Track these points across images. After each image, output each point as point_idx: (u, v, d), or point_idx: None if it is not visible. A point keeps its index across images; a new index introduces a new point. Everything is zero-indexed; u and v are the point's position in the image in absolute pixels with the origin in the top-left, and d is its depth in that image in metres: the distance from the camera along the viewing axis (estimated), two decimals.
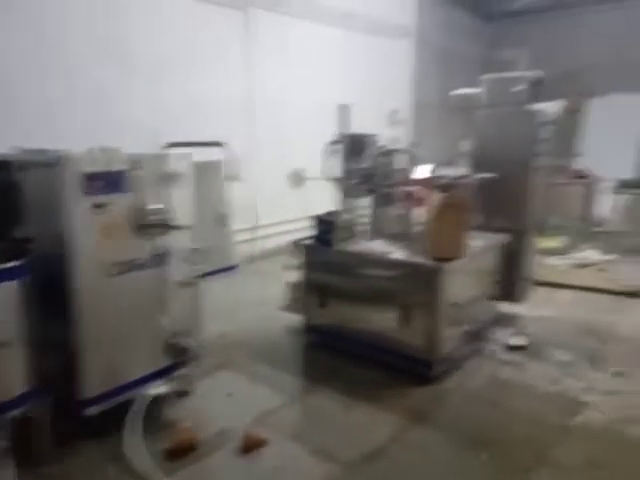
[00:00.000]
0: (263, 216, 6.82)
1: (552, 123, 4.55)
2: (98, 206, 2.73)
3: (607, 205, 7.31)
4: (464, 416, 3.19)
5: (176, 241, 3.12)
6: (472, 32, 10.73)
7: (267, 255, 6.91)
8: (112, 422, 2.89)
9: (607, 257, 6.55)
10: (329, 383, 3.57)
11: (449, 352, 3.62)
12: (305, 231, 4.18)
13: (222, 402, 3.36)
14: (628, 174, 8.11)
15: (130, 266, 2.91)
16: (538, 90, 4.44)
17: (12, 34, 4.49)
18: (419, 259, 3.54)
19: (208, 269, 5.68)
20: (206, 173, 5.12)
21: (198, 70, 5.92)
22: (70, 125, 4.73)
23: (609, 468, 2.71)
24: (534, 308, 4.81)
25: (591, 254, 6.59)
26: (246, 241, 6.70)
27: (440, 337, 3.49)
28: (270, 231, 6.88)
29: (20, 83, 4.56)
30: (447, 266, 3.39)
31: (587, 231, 7.58)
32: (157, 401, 3.08)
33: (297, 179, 7.22)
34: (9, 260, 2.48)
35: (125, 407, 2.91)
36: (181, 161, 3.14)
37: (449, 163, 7.18)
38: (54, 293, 2.76)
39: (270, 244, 6.92)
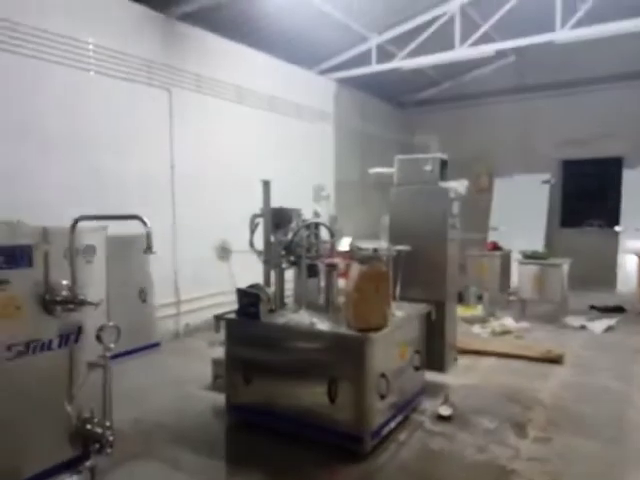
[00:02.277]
0: (188, 290, 6.62)
1: (461, 199, 4.89)
2: None
3: (518, 275, 7.79)
4: None
5: (88, 318, 2.92)
6: (387, 117, 11.62)
7: (192, 331, 6.64)
8: None
9: (521, 324, 6.88)
10: (254, 466, 3.35)
11: (379, 425, 3.54)
12: (232, 305, 4.08)
13: None
14: (536, 247, 8.78)
15: (33, 347, 2.67)
16: (445, 170, 4.84)
17: None
18: (345, 330, 3.53)
19: (128, 347, 5.39)
20: (125, 247, 4.98)
21: (117, 146, 5.88)
22: None
23: None
24: (459, 376, 4.89)
25: (508, 321, 6.91)
26: (170, 316, 6.43)
27: (370, 410, 3.42)
28: (195, 306, 6.66)
29: None
30: (373, 335, 3.39)
31: (503, 299, 8.00)
32: None
33: (223, 251, 7.15)
34: None
35: None
36: (94, 234, 3.02)
37: (372, 237, 7.47)
38: None
39: (196, 319, 6.67)
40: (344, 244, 4.45)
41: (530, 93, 10.94)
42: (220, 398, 4.17)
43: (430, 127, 11.93)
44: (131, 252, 5.27)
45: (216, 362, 4.67)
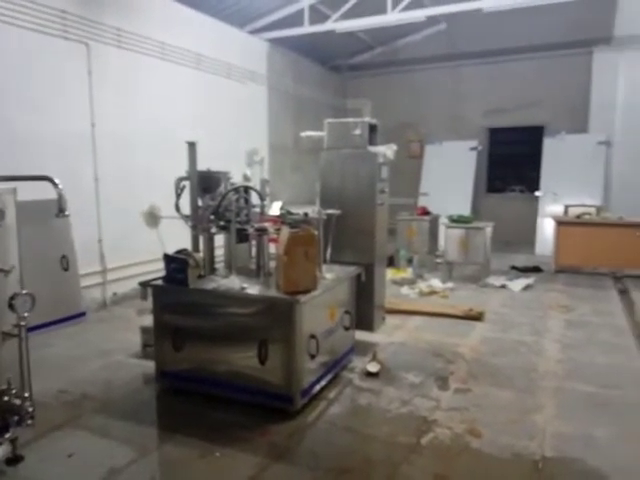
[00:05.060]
0: (115, 258, 6.36)
1: (390, 164, 4.97)
2: None
3: (444, 239, 8.13)
4: (325, 447, 3.19)
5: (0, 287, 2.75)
6: (321, 81, 11.50)
7: (120, 300, 6.43)
8: None
9: (447, 285, 7.23)
10: (186, 430, 3.34)
11: (309, 384, 3.63)
12: (162, 272, 3.98)
13: (62, 465, 2.98)
14: (463, 211, 9.16)
15: None
16: (375, 135, 4.88)
17: None
18: (274, 293, 3.56)
19: (51, 318, 5.15)
20: (42, 212, 4.68)
21: (32, 103, 5.46)
22: None
23: None
24: (387, 335, 5.10)
25: (435, 283, 7.23)
26: (96, 285, 6.18)
27: (299, 370, 3.49)
28: (123, 273, 6.42)
29: None
30: (301, 298, 3.44)
31: (431, 262, 8.34)
32: None
33: (152, 217, 6.91)
34: None
35: None
36: (3, 197, 2.81)
37: (309, 202, 7.48)
38: None
39: (124, 287, 6.45)
40: (275, 209, 4.42)
41: (460, 61, 11.20)
42: (150, 366, 4.10)
43: (363, 92, 11.97)
44: (49, 218, 4.95)
45: (145, 330, 4.57)
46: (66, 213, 2.68)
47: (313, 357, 3.67)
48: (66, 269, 5.43)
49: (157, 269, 6.02)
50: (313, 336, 3.65)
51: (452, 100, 11.44)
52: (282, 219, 4.17)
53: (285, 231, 3.71)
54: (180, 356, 3.81)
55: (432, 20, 9.85)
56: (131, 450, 3.13)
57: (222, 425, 3.42)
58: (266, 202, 4.49)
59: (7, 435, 2.80)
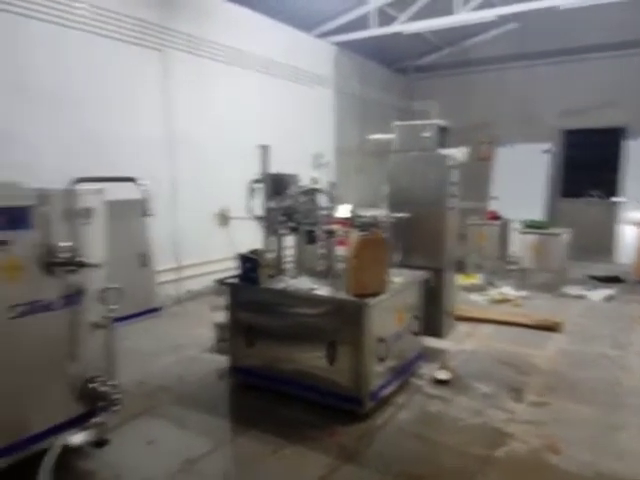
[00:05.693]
0: (188, 256, 6.63)
1: (461, 167, 4.85)
2: None
3: (518, 245, 7.82)
4: (394, 452, 3.15)
5: (89, 280, 2.93)
6: (387, 83, 11.41)
7: (194, 296, 6.68)
8: (22, 476, 2.62)
9: (520, 293, 6.94)
10: (258, 425, 3.42)
11: (378, 387, 3.60)
12: (232, 271, 4.10)
13: (143, 451, 3.13)
14: (535, 216, 8.77)
15: (34, 307, 2.68)
16: (445, 137, 4.77)
17: None
18: (343, 295, 3.55)
19: (130, 312, 5.42)
20: (124, 212, 4.95)
21: (112, 108, 5.79)
22: None
23: None
24: (458, 342, 4.96)
25: (507, 290, 6.96)
26: (171, 281, 6.45)
27: (368, 372, 3.47)
28: (196, 271, 6.68)
29: None
30: (370, 301, 3.42)
31: (502, 269, 8.04)
32: (72, 452, 2.84)
33: (222, 218, 7.14)
34: None
35: (37, 459, 2.64)
36: (92, 197, 2.99)
37: (372, 205, 7.44)
38: None
39: (197, 285, 6.71)
40: (343, 211, 4.42)
41: (532, 61, 10.73)
42: (222, 361, 4.24)
43: (430, 94, 11.73)
44: (130, 217, 5.25)
45: (219, 326, 4.71)
46: (150, 213, 2.81)
47: (382, 361, 3.63)
48: (144, 266, 5.72)
49: (227, 268, 6.21)
50: (382, 339, 3.62)
51: (524, 101, 10.98)
52: (351, 222, 4.17)
53: (355, 234, 3.71)
54: (252, 352, 3.90)
55: (503, 19, 9.52)
56: (206, 442, 3.24)
57: (291, 423, 3.46)
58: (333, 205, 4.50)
59: (95, 420, 2.98)
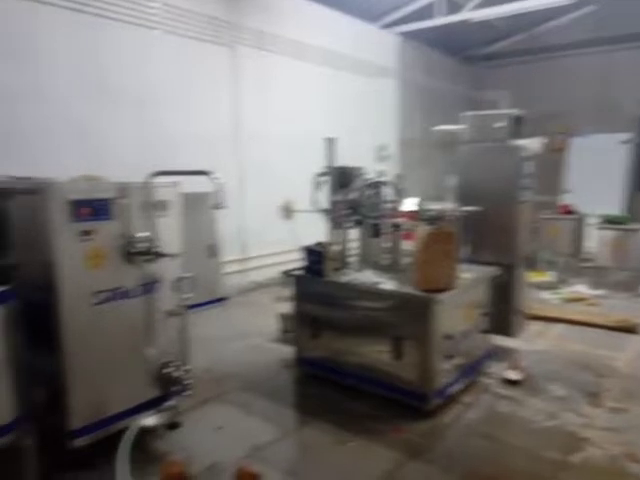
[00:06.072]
0: (253, 248, 6.78)
1: (534, 159, 4.63)
2: (84, 233, 2.68)
3: (594, 241, 7.39)
4: (462, 451, 3.08)
5: (165, 269, 3.05)
6: (453, 73, 11.10)
7: (258, 287, 6.84)
8: (101, 454, 2.79)
9: (596, 292, 6.56)
10: (322, 416, 3.45)
11: (444, 385, 3.53)
12: (295, 263, 4.14)
13: (212, 435, 3.24)
14: (612, 211, 8.24)
15: (116, 294, 2.83)
16: (519, 128, 4.56)
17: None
18: (410, 290, 3.50)
19: (197, 300, 5.61)
20: (195, 204, 5.12)
21: (184, 104, 5.99)
22: (52, 156, 4.68)
23: None
24: (528, 342, 4.76)
25: (580, 289, 6.60)
26: (236, 272, 6.63)
27: (434, 369, 3.41)
28: (260, 262, 6.83)
29: (4, 116, 4.55)
30: (438, 297, 3.34)
31: (576, 266, 7.63)
32: (147, 433, 2.97)
33: (287, 211, 7.22)
34: None
35: (114, 438, 2.80)
36: (168, 189, 3.10)
37: (435, 198, 7.27)
38: (40, 321, 2.66)
39: (261, 276, 6.87)
40: (409, 204, 4.34)
41: (610, 46, 10.05)
42: (287, 350, 4.32)
43: (499, 83, 11.31)
44: (200, 209, 5.42)
45: (284, 316, 4.80)
46: (223, 205, 2.88)
47: (449, 358, 3.55)
48: (212, 257, 5.90)
49: (290, 260, 6.29)
50: (449, 336, 3.53)
51: (601, 89, 10.33)
52: (417, 215, 4.09)
53: (423, 228, 3.64)
54: (317, 344, 3.93)
55: (579, 2, 8.96)
56: (272, 430, 3.31)
57: (356, 415, 3.47)
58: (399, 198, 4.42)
59: (169, 403, 3.11)
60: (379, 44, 8.93)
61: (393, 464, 2.92)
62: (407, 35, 9.30)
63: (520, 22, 10.00)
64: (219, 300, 6.05)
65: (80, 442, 2.75)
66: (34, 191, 2.65)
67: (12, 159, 4.30)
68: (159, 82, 5.74)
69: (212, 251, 5.91)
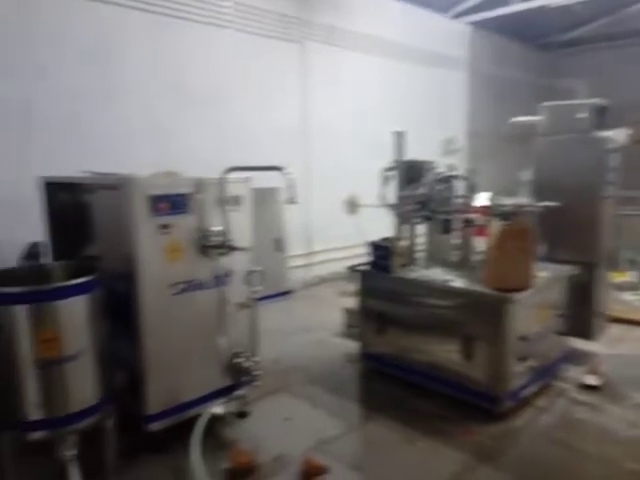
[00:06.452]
0: (318, 242, 6.83)
1: (620, 151, 4.33)
2: (163, 227, 2.80)
3: None
4: (534, 457, 2.96)
5: (236, 263, 3.13)
6: (526, 61, 10.59)
7: (322, 281, 6.89)
8: (175, 438, 2.92)
9: None
10: (388, 413, 3.43)
11: (517, 388, 3.39)
12: (359, 258, 4.13)
13: (280, 426, 3.31)
14: None
15: (191, 285, 2.94)
16: (602, 118, 4.28)
17: (81, 71, 4.79)
18: (482, 288, 3.38)
19: (264, 293, 5.74)
20: (264, 198, 5.23)
21: (254, 100, 6.11)
22: (131, 153, 4.91)
23: None
24: (609, 346, 4.47)
25: None
26: (301, 266, 6.71)
27: (507, 371, 3.29)
28: (325, 257, 6.88)
29: (86, 115, 4.82)
30: (514, 297, 3.21)
31: None
32: (217, 420, 3.09)
33: (352, 206, 7.20)
34: (78, 276, 2.55)
35: (187, 425, 2.93)
36: (241, 185, 3.18)
37: (507, 192, 6.98)
38: (120, 310, 2.81)
39: (325, 270, 6.91)
40: (482, 199, 4.20)
41: None
42: (351, 345, 4.33)
43: (576, 70, 10.64)
44: (269, 203, 5.53)
45: (349, 311, 4.81)
46: (296, 200, 2.91)
47: (522, 360, 3.41)
48: (278, 251, 6.00)
49: (354, 255, 6.27)
50: (523, 338, 3.39)
51: None
52: (490, 210, 3.94)
53: (497, 224, 3.51)
54: (382, 340, 3.91)
55: None
56: (338, 424, 3.33)
57: (422, 414, 3.42)
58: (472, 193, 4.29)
59: (238, 393, 3.21)
60: (448, 34, 8.69)
61: (462, 467, 2.85)
62: (477, 24, 8.98)
63: (602, 6, 9.37)
64: (284, 293, 6.15)
65: (156, 426, 2.88)
66: (116, 187, 2.79)
67: (95, 156, 4.55)
68: (230, 79, 5.89)
69: (279, 245, 6.02)
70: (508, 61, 10.03)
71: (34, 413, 2.44)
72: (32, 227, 3.55)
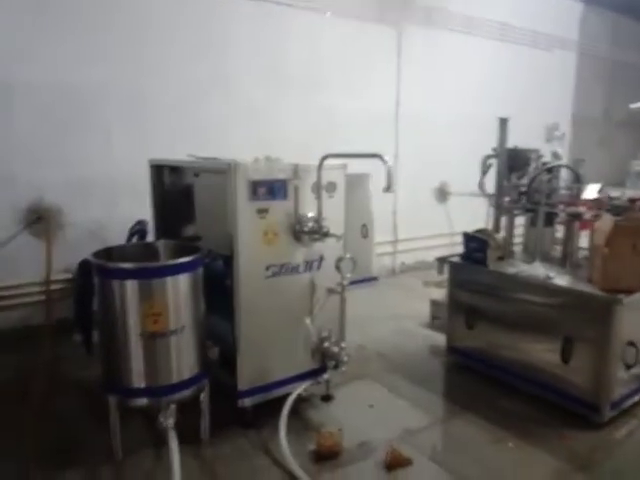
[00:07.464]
0: (404, 230, 6.72)
1: None
2: (261, 211, 2.88)
3: None
4: (634, 473, 2.75)
5: (327, 248, 3.17)
6: None
7: (407, 269, 6.80)
8: (263, 416, 3.03)
9: None
10: (474, 410, 3.33)
11: (621, 396, 3.16)
12: (447, 247, 4.01)
13: (364, 413, 3.32)
14: None
15: (284, 269, 3.02)
16: None
17: (193, 66, 5.02)
18: (588, 288, 3.16)
19: (351, 279, 5.77)
20: (354, 184, 5.21)
21: (349, 85, 6.07)
22: (228, 138, 5.07)
23: None
24: None
25: None
26: (387, 254, 6.66)
27: (611, 379, 3.06)
28: (411, 245, 6.76)
29: (190, 104, 5.04)
30: (624, 298, 2.97)
31: None
32: (303, 402, 3.18)
33: (441, 193, 7.02)
34: (182, 255, 2.70)
35: (274, 403, 3.03)
36: (337, 171, 3.18)
37: (615, 184, 6.45)
38: (217, 289, 2.95)
39: (411, 258, 6.81)
40: (591, 191, 3.90)
41: None
42: (437, 337, 4.26)
43: None
44: (357, 190, 5.49)
45: (435, 303, 4.71)
46: (392, 189, 2.87)
47: (629, 367, 3.16)
48: (365, 237, 5.98)
49: (441, 244, 6.13)
50: (632, 343, 3.13)
51: None
52: (600, 204, 3.66)
53: (607, 218, 3.25)
54: (471, 334, 3.79)
55: None
56: (423, 416, 3.28)
57: (512, 414, 3.28)
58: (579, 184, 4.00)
59: (325, 376, 3.27)
60: (556, 13, 8.05)
61: (556, 473, 2.71)
62: (590, 1, 8.25)
63: None
64: (370, 280, 6.13)
65: (245, 402, 3.01)
66: (220, 171, 2.90)
67: (200, 141, 4.77)
68: (327, 64, 5.89)
69: (366, 231, 5.99)
70: (624, 41, 9.15)
71: (138, 381, 2.65)
72: (144, 206, 3.79)
